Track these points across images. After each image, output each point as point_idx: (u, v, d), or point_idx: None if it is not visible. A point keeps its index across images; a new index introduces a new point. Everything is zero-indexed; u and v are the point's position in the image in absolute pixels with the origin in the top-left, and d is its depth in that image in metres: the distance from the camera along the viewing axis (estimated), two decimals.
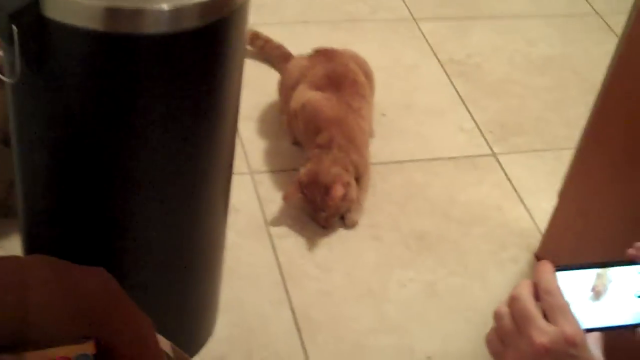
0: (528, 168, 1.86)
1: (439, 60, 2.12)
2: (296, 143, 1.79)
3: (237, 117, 1.19)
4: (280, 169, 1.76)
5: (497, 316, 0.72)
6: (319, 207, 1.59)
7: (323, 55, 1.80)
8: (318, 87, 1.71)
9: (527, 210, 1.76)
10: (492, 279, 1.61)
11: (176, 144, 1.08)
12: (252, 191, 1.71)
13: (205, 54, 1.02)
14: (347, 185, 1.59)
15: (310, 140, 1.68)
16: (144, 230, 1.14)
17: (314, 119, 1.67)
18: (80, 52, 0.97)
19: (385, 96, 1.94)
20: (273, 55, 1.95)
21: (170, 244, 1.19)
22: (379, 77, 1.89)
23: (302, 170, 1.60)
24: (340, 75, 1.73)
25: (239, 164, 1.73)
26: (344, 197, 1.58)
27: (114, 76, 0.99)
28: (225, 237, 1.32)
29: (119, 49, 0.97)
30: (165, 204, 1.13)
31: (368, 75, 1.82)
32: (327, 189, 1.56)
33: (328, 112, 1.68)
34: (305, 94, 1.71)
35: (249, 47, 1.96)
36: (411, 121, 1.93)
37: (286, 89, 1.79)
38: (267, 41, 1.95)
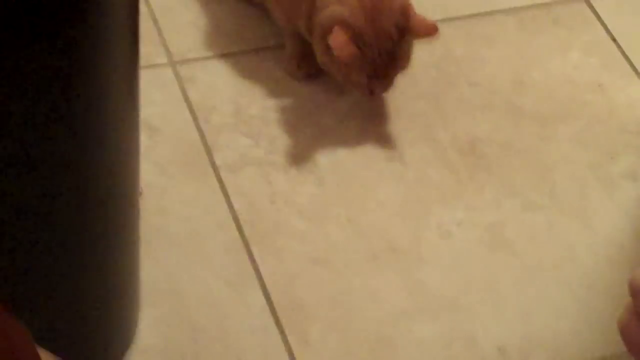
0: None
1: None
2: None
3: None
4: (224, 52, 1.77)
5: (636, 288, 0.74)
6: (388, 57, 1.64)
7: None
8: None
9: None
10: (597, 212, 1.63)
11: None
12: (177, 95, 1.72)
13: None
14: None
15: None
16: None
17: None
18: None
19: None
20: None
21: (39, 196, 1.20)
22: None
23: (335, 9, 1.64)
24: None
25: (149, 49, 1.74)
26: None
27: None
28: (138, 178, 1.34)
29: None
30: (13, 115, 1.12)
31: None
32: (403, 13, 1.63)
33: None
34: None
35: None
36: None
37: None
38: None
